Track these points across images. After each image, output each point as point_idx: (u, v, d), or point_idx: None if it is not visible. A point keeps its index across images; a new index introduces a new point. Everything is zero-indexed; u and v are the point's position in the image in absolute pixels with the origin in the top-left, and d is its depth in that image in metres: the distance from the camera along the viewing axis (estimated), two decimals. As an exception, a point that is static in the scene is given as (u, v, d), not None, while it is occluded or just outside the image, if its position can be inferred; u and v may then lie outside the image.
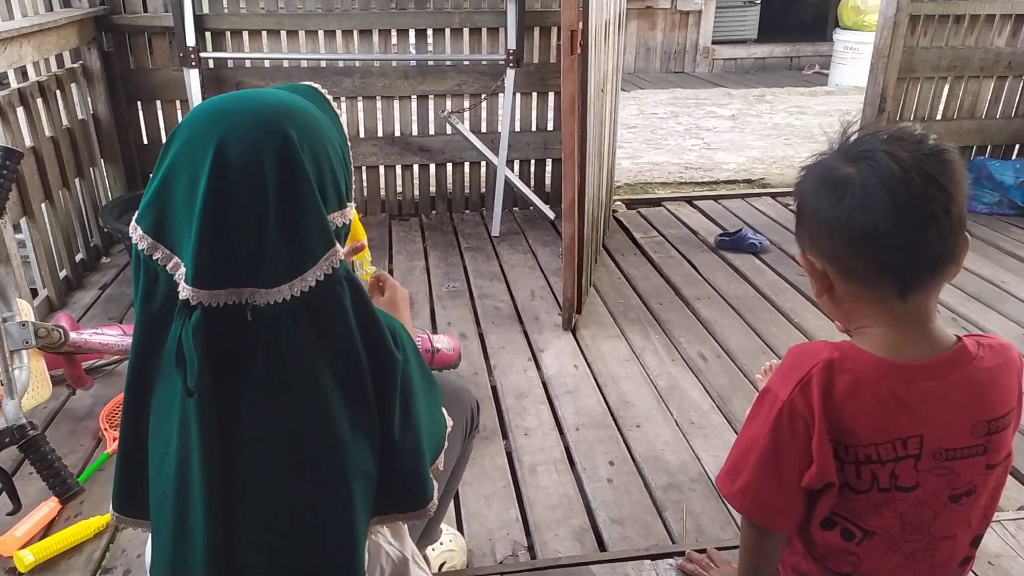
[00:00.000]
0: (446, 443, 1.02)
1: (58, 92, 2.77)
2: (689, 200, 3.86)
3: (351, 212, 0.89)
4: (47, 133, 2.65)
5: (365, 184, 3.58)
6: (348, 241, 1.00)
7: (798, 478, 0.94)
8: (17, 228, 2.52)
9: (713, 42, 8.74)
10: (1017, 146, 3.98)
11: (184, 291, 0.76)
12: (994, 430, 0.93)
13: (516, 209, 3.71)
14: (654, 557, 1.32)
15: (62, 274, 2.71)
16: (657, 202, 3.84)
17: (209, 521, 0.81)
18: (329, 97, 0.94)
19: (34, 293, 2.53)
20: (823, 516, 0.98)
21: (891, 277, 0.90)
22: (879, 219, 0.88)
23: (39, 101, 2.62)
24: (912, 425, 0.92)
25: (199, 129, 0.79)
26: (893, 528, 0.97)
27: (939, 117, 3.84)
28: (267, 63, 3.34)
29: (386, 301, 1.19)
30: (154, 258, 0.80)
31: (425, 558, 1.44)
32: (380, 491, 0.90)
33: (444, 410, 1.04)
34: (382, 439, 0.88)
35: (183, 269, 0.78)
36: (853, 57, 7.39)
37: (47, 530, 1.59)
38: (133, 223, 0.82)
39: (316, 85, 0.94)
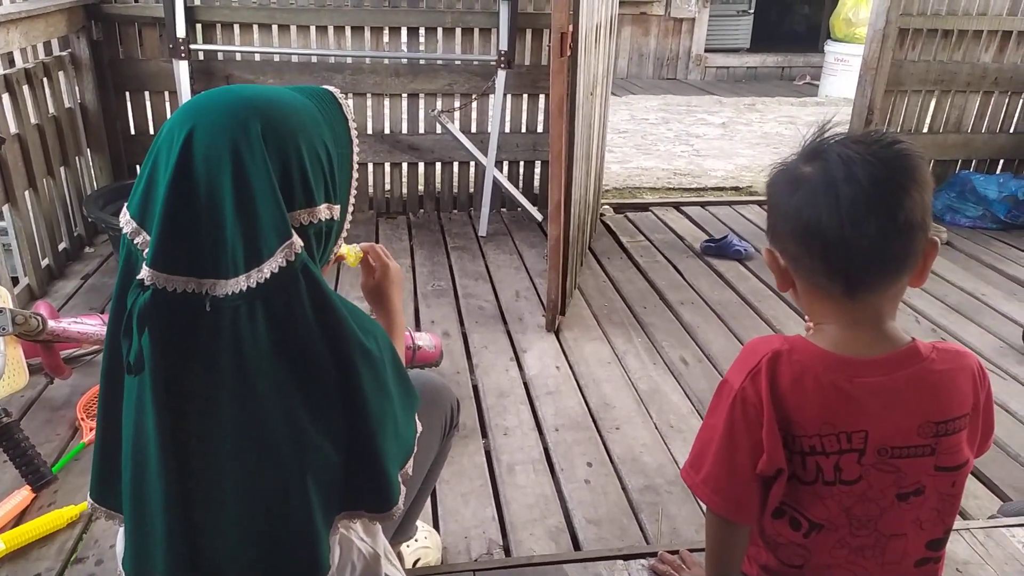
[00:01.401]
0: (415, 448, 1.02)
1: (45, 80, 2.76)
2: (677, 206, 3.88)
3: (336, 212, 0.89)
4: (32, 120, 2.63)
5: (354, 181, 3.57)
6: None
7: (753, 466, 0.96)
8: (0, 216, 2.50)
9: (706, 50, 8.79)
10: (1001, 161, 4.03)
11: (143, 271, 0.78)
12: (942, 432, 0.94)
13: (504, 210, 3.72)
14: (627, 557, 1.32)
15: (44, 263, 2.69)
16: (645, 207, 3.86)
17: (168, 513, 0.81)
18: (343, 101, 0.94)
19: (15, 281, 2.52)
20: (774, 505, 0.99)
21: (836, 276, 0.92)
22: (821, 216, 0.89)
23: (25, 88, 2.60)
24: (856, 420, 0.94)
25: (181, 118, 0.82)
26: (840, 521, 0.99)
27: (925, 130, 3.88)
28: (257, 57, 3.33)
29: (375, 285, 1.18)
30: (135, 242, 0.83)
31: (399, 554, 1.44)
32: (346, 486, 0.90)
33: (416, 416, 1.04)
34: (348, 434, 0.87)
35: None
36: (844, 69, 7.44)
37: (20, 518, 1.57)
38: (124, 207, 0.84)
39: (333, 89, 0.95)
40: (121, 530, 0.89)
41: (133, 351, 0.77)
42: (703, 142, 5.50)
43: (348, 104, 0.95)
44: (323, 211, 0.86)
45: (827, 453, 0.95)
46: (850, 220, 0.88)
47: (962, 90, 3.84)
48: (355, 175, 0.95)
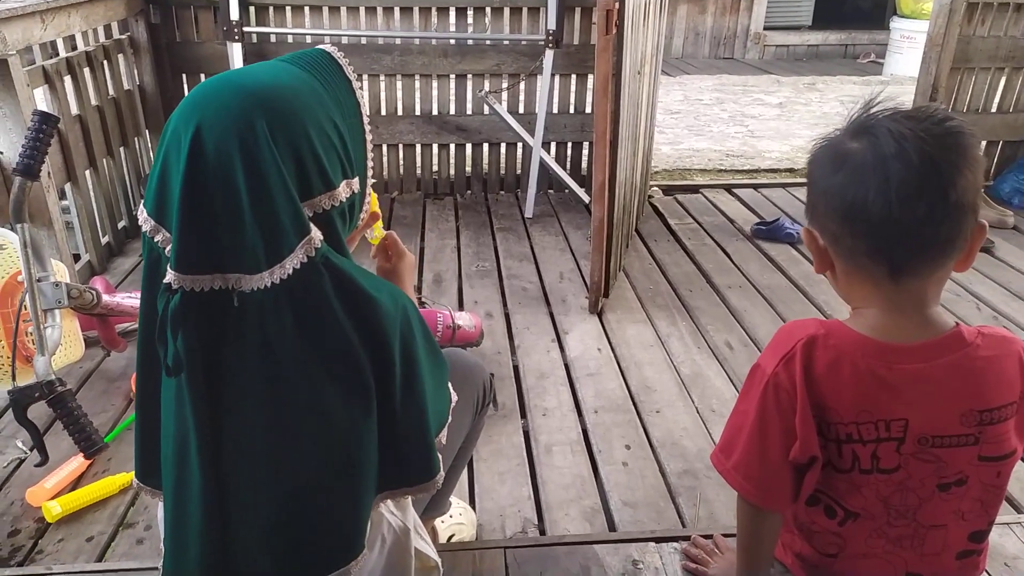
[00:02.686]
0: (449, 418, 1.03)
1: (105, 62, 2.84)
2: (728, 188, 3.80)
3: (355, 185, 0.89)
4: (93, 102, 2.72)
5: (401, 162, 3.61)
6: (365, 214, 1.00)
7: (785, 453, 0.94)
8: (63, 195, 2.60)
9: (765, 28, 8.53)
10: (1076, 142, 3.82)
11: (168, 275, 0.79)
12: (987, 421, 0.90)
13: (551, 191, 3.70)
14: (660, 540, 1.31)
15: (104, 240, 2.79)
16: (695, 189, 3.79)
17: (204, 499, 0.83)
18: (342, 61, 0.92)
19: (76, 258, 2.61)
20: (809, 492, 0.97)
21: (880, 257, 0.88)
22: (868, 196, 0.85)
23: (86, 71, 2.69)
24: (896, 408, 0.90)
25: (184, 115, 0.80)
26: (877, 511, 0.96)
27: (994, 109, 3.71)
28: (308, 39, 3.37)
29: (390, 269, 1.19)
30: (156, 240, 0.83)
31: (434, 529, 1.46)
32: (387, 467, 0.91)
33: (450, 385, 1.05)
34: (385, 416, 0.88)
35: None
36: (910, 46, 7.14)
37: (76, 484, 1.65)
38: (141, 204, 0.85)
39: (331, 49, 0.92)
40: (162, 501, 0.92)
41: (171, 355, 0.79)
42: (758, 123, 5.37)
43: (346, 63, 0.93)
44: (344, 190, 0.86)
45: (864, 441, 0.92)
46: (899, 199, 0.84)
47: (1035, 67, 3.65)
48: (368, 137, 0.94)
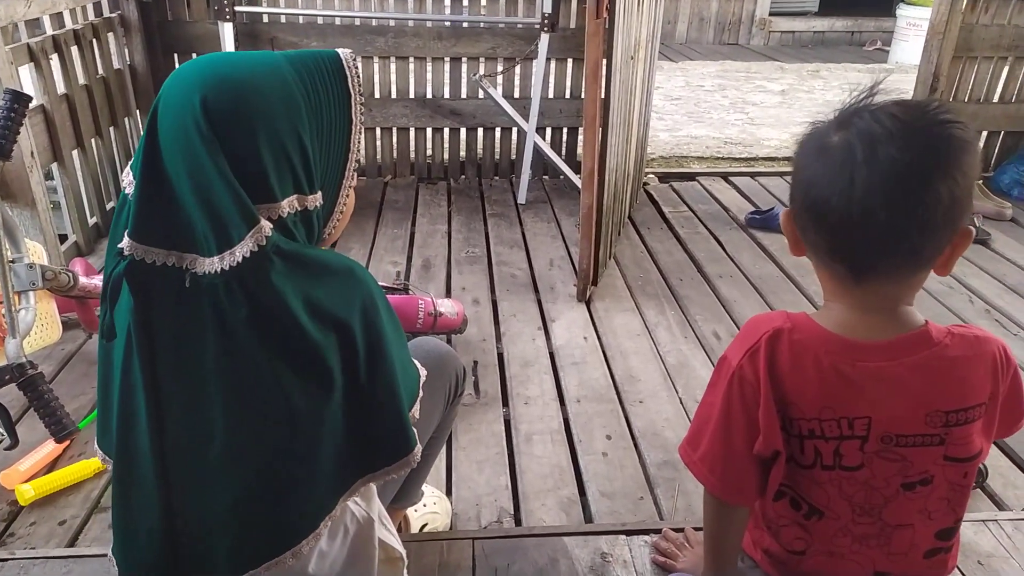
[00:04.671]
0: (420, 392, 1.01)
1: (94, 41, 2.81)
2: (725, 176, 3.76)
3: (313, 201, 0.85)
4: (81, 81, 2.69)
5: (395, 145, 3.58)
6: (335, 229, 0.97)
7: (750, 447, 0.93)
8: (50, 175, 2.58)
9: (771, 13, 8.43)
10: (1079, 134, 3.78)
11: (124, 240, 0.79)
12: (953, 423, 0.88)
13: (546, 177, 3.66)
14: (630, 533, 1.30)
15: (92, 221, 2.77)
16: (691, 176, 3.75)
17: (156, 482, 0.83)
18: (351, 71, 0.88)
19: (63, 239, 2.60)
20: (775, 488, 0.96)
21: (840, 258, 0.86)
22: (832, 198, 0.82)
23: (74, 49, 2.66)
24: (859, 406, 0.88)
25: (162, 90, 0.81)
26: (841, 509, 0.95)
27: (996, 99, 3.66)
28: (301, 19, 3.33)
29: None
30: (127, 192, 0.83)
31: (406, 518, 1.45)
32: (363, 449, 0.90)
33: (416, 362, 1.03)
34: (354, 397, 0.87)
35: None
36: (916, 34, 7.04)
37: (51, 467, 1.64)
38: (128, 167, 0.85)
39: (344, 54, 0.89)
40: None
41: (106, 319, 0.78)
42: (759, 110, 5.31)
43: (355, 72, 0.88)
44: (288, 205, 0.83)
45: (827, 438, 0.91)
46: (861, 206, 0.80)
47: (1039, 57, 3.60)
48: (354, 154, 0.91)
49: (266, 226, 0.79)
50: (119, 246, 0.79)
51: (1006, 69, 3.62)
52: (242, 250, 0.78)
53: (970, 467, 0.92)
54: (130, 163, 0.85)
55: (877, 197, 0.79)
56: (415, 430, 0.95)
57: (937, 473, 0.91)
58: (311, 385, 0.84)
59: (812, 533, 0.99)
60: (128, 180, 0.84)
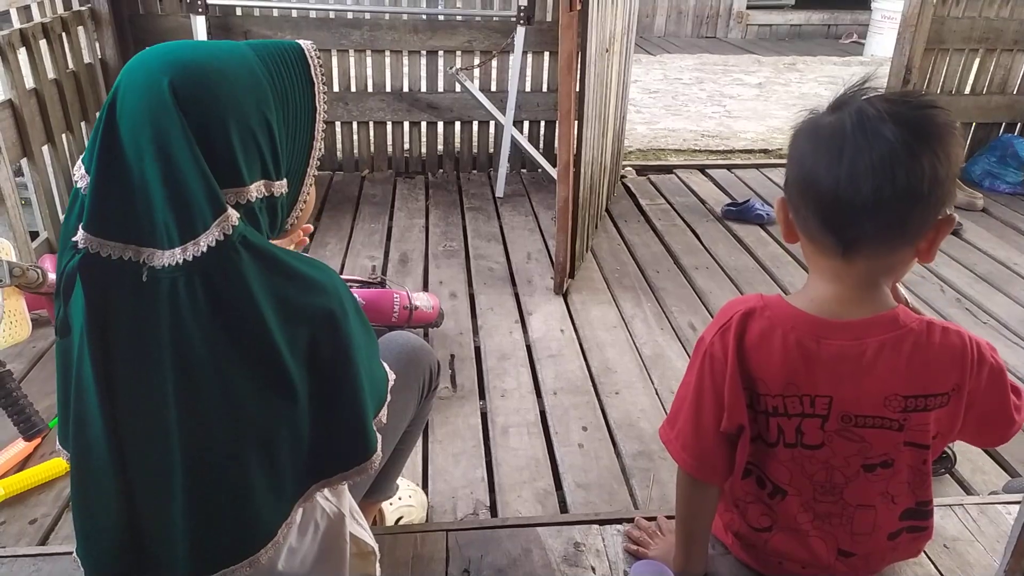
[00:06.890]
0: (388, 396, 1.00)
1: (64, 35, 2.77)
2: (702, 168, 3.78)
3: (279, 188, 0.85)
4: (50, 76, 2.65)
5: (372, 139, 3.56)
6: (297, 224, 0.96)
7: (718, 423, 0.94)
8: (20, 171, 2.54)
9: (748, 7, 8.48)
10: (1048, 125, 3.83)
11: (78, 233, 0.76)
12: (912, 408, 0.90)
13: (524, 171, 3.67)
14: (603, 522, 1.31)
15: (63, 217, 2.73)
16: (669, 169, 3.77)
17: (113, 481, 0.82)
18: (313, 60, 0.88)
19: (34, 235, 2.56)
20: (742, 465, 0.98)
21: (829, 232, 0.87)
22: (820, 171, 0.85)
23: (43, 43, 2.62)
24: (821, 383, 0.90)
25: (121, 76, 0.79)
26: (803, 486, 0.97)
27: (967, 91, 3.70)
28: (275, 12, 3.30)
29: None
30: (80, 187, 0.80)
31: (380, 512, 1.45)
32: (320, 453, 0.89)
33: (385, 364, 1.03)
34: (316, 404, 0.86)
35: None
36: (891, 27, 7.10)
37: (21, 466, 1.62)
38: (80, 160, 0.82)
39: (306, 45, 0.88)
40: None
41: (60, 315, 0.76)
42: (736, 103, 5.34)
43: (317, 63, 0.88)
44: (256, 190, 0.82)
45: (789, 415, 0.93)
46: (848, 177, 0.83)
47: (1008, 49, 3.65)
48: (318, 144, 0.90)
49: (233, 215, 0.77)
50: (73, 239, 0.77)
51: (977, 61, 3.67)
52: (207, 239, 0.76)
53: (928, 454, 0.94)
54: (81, 157, 0.82)
55: (862, 166, 0.83)
56: (379, 434, 0.93)
57: (898, 457, 0.93)
58: (270, 391, 0.82)
59: (776, 510, 1.01)
60: (80, 174, 0.81)
